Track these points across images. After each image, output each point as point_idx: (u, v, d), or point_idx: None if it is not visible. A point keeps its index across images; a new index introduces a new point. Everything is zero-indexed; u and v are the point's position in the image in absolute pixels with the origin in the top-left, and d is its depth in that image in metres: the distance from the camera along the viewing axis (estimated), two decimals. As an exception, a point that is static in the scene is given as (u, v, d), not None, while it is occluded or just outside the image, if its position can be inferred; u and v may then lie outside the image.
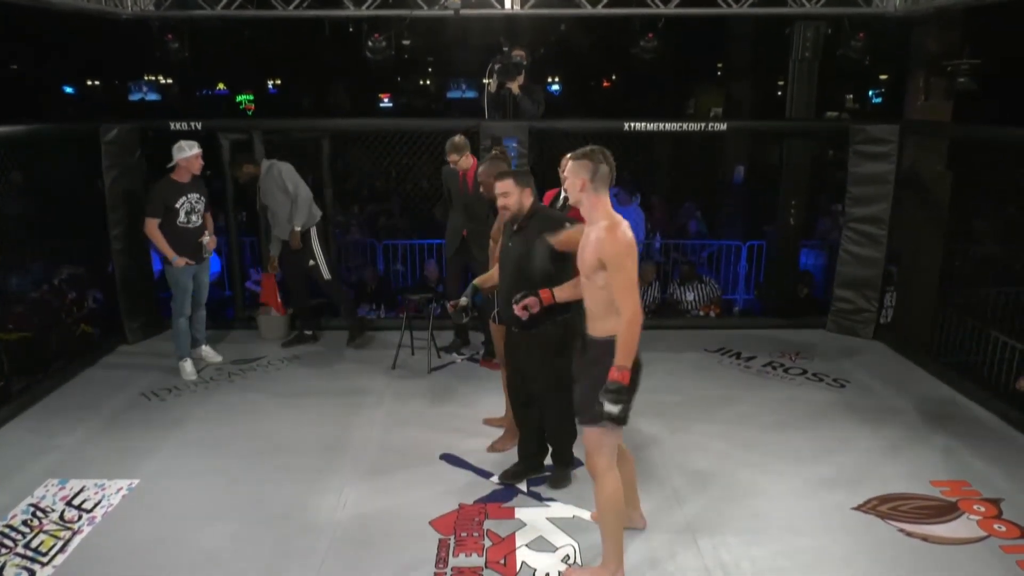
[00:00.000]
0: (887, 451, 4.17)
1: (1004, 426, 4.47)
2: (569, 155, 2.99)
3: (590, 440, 2.97)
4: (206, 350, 5.52)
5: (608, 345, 2.85)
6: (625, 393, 2.78)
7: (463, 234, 5.45)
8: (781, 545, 3.32)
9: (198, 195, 5.19)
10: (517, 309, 3.28)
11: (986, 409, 4.67)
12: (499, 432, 4.23)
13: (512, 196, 3.47)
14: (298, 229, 5.47)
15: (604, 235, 2.83)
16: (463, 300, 3.70)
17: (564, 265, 3.46)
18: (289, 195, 5.43)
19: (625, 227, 2.87)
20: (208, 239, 5.26)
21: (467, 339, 5.76)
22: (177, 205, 5.08)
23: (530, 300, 3.28)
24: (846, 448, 4.21)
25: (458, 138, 5.24)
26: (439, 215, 5.69)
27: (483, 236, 5.43)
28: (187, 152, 5.04)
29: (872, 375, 5.25)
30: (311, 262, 5.60)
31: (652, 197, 8.85)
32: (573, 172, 2.89)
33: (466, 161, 5.27)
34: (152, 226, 5.04)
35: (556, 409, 3.60)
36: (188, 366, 5.23)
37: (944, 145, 5.58)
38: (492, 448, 4.15)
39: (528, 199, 3.50)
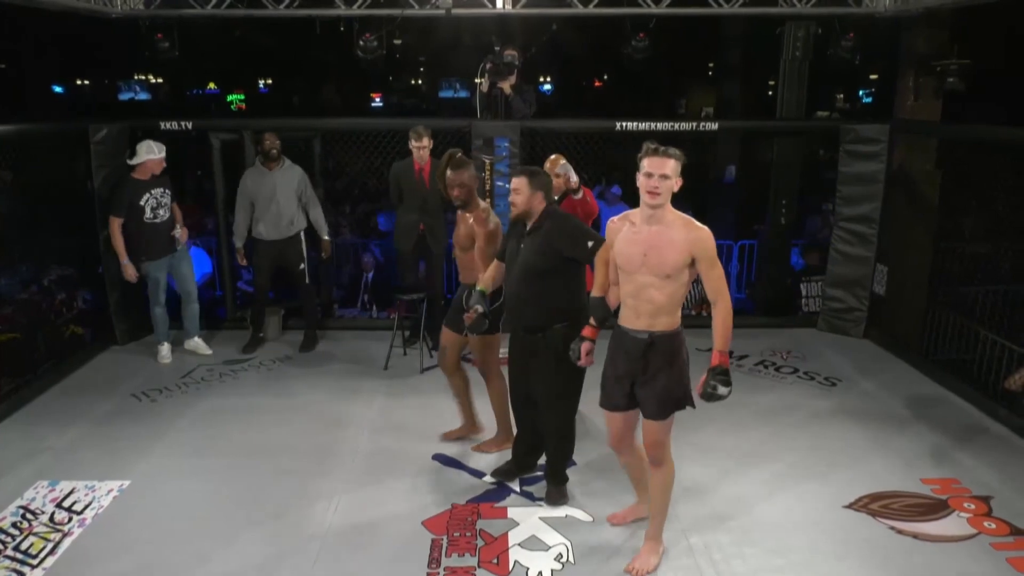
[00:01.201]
0: (878, 449, 4.19)
1: (994, 424, 4.50)
2: (659, 148, 2.86)
3: (661, 431, 3.04)
4: (196, 342, 5.56)
5: (678, 336, 2.99)
6: (729, 374, 2.92)
7: (420, 228, 5.47)
8: (773, 543, 3.34)
9: (162, 189, 5.28)
10: (584, 361, 3.23)
11: (976, 407, 4.70)
12: (477, 439, 4.25)
13: (522, 195, 3.42)
14: (327, 238, 5.69)
15: (696, 234, 2.87)
16: (478, 307, 3.58)
17: (578, 269, 3.48)
18: (301, 202, 5.55)
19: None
20: (179, 231, 5.33)
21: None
22: (142, 202, 5.18)
23: (586, 346, 3.22)
24: (837, 446, 4.23)
25: (422, 127, 5.34)
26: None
27: (440, 230, 5.53)
28: (157, 154, 5.18)
29: (863, 374, 5.28)
30: (301, 266, 5.61)
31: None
32: (675, 171, 2.86)
33: (427, 152, 5.29)
34: (113, 225, 5.19)
35: (559, 413, 3.57)
36: (164, 350, 5.43)
37: (934, 144, 5.61)
38: (479, 448, 4.16)
39: (540, 202, 3.45)
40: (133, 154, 5.21)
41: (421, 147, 5.31)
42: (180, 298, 5.55)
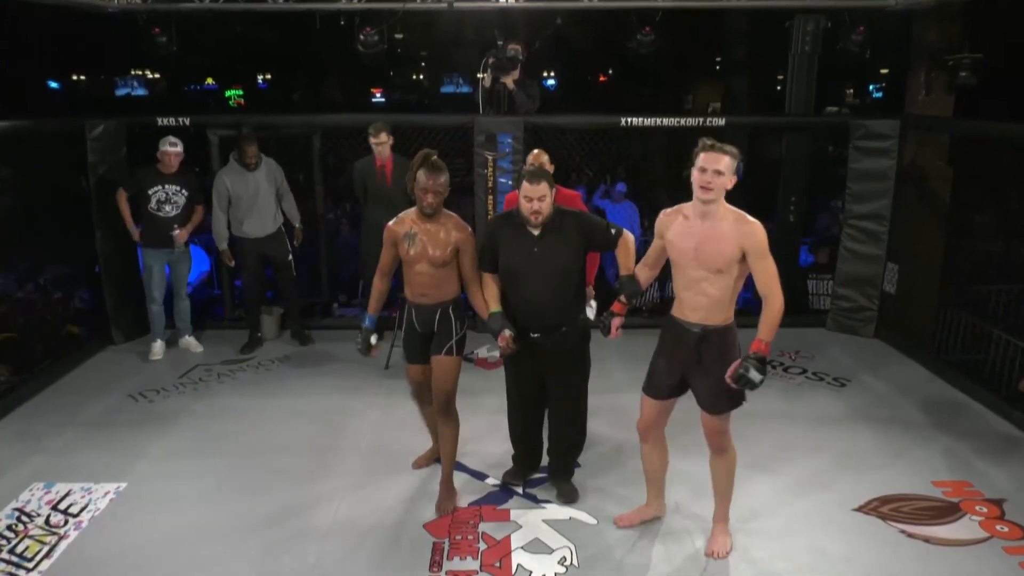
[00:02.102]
0: (888, 451, 4.13)
1: (1007, 426, 4.44)
2: (715, 145, 2.92)
3: (720, 423, 3.14)
4: (188, 340, 5.60)
5: (731, 331, 3.06)
6: (766, 364, 2.92)
7: None
8: (780, 546, 3.29)
9: (178, 187, 5.31)
10: (614, 334, 3.30)
11: (988, 408, 4.63)
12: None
13: (548, 200, 3.29)
14: (299, 226, 5.70)
15: (746, 227, 2.92)
16: (507, 332, 3.34)
17: (584, 262, 3.51)
18: (277, 195, 5.55)
19: None
20: (178, 232, 5.32)
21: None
22: (151, 191, 5.25)
23: (617, 320, 3.30)
24: (846, 448, 4.17)
25: (381, 123, 5.25)
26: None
27: None
28: (163, 147, 5.24)
29: (873, 374, 5.21)
30: (288, 258, 5.65)
31: (650, 194, 8.78)
32: (729, 168, 2.90)
33: (387, 148, 5.22)
34: (120, 196, 5.30)
35: (582, 401, 3.62)
36: (157, 346, 5.46)
37: (945, 140, 5.53)
38: (418, 464, 3.98)
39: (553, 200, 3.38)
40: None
41: (379, 143, 5.20)
42: (172, 295, 5.54)
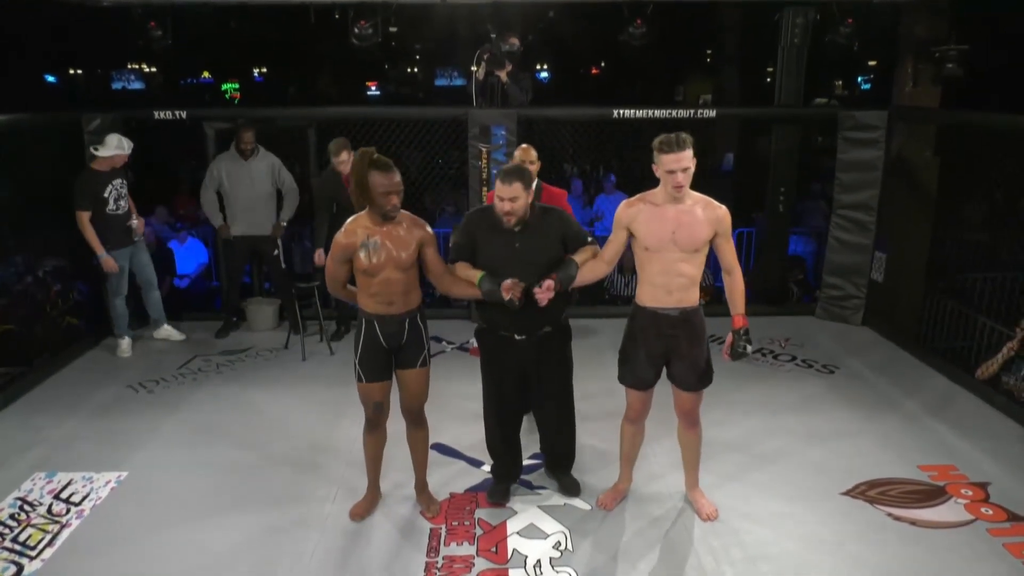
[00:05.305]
0: (875, 436, 4.20)
1: (991, 411, 4.51)
2: (672, 143, 2.98)
3: (700, 400, 3.31)
4: (167, 329, 5.61)
5: (701, 311, 3.22)
6: (750, 335, 3.20)
7: None
8: (770, 530, 3.34)
9: (120, 180, 5.30)
10: (541, 292, 3.13)
11: (973, 394, 4.71)
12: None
13: (521, 201, 3.17)
14: (283, 223, 5.72)
15: (717, 212, 3.11)
16: (509, 281, 3.16)
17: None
18: (277, 186, 5.60)
19: None
20: (136, 222, 5.33)
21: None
22: (105, 194, 5.20)
23: (548, 283, 3.15)
24: (834, 433, 4.23)
25: (340, 139, 5.27)
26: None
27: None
28: (126, 150, 5.17)
29: (861, 361, 5.28)
30: (275, 251, 5.69)
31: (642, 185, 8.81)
32: (691, 157, 3.00)
33: (348, 165, 5.27)
34: (84, 219, 5.14)
35: (570, 408, 3.58)
36: (124, 343, 5.40)
37: (932, 131, 5.59)
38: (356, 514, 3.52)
39: (529, 199, 3.26)
40: (100, 144, 5.18)
41: (342, 162, 5.22)
42: (140, 289, 5.54)
